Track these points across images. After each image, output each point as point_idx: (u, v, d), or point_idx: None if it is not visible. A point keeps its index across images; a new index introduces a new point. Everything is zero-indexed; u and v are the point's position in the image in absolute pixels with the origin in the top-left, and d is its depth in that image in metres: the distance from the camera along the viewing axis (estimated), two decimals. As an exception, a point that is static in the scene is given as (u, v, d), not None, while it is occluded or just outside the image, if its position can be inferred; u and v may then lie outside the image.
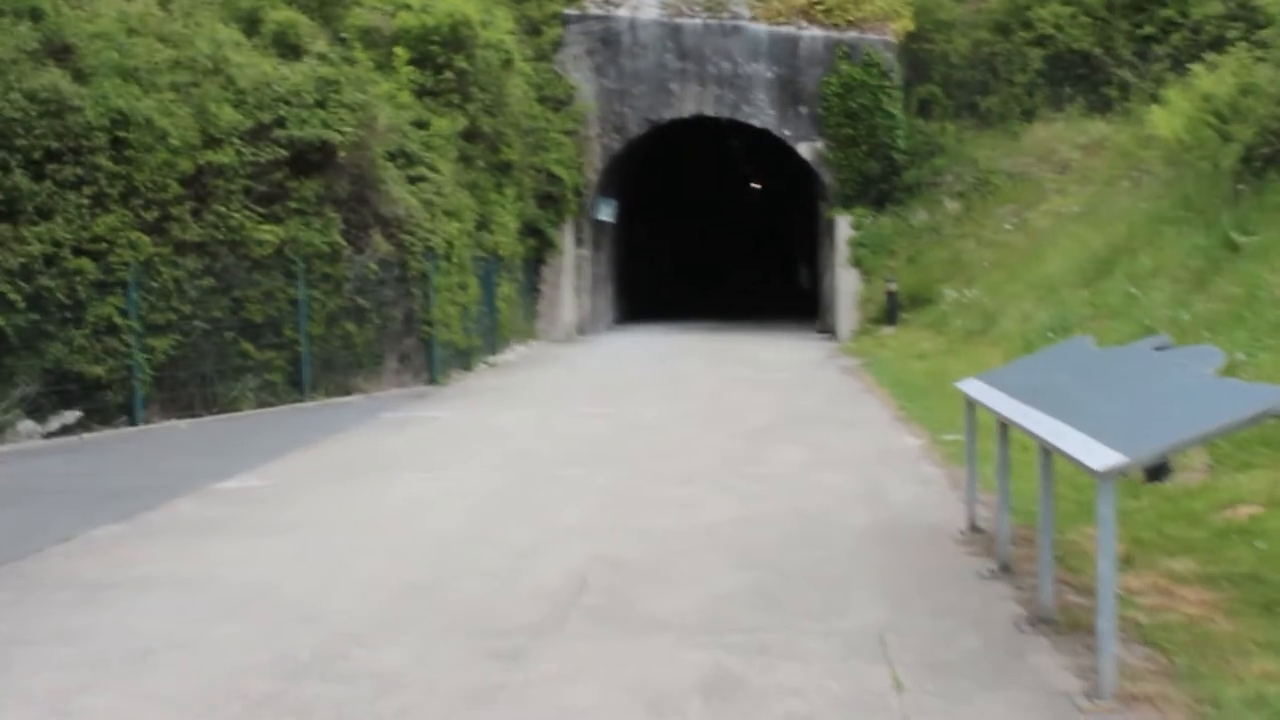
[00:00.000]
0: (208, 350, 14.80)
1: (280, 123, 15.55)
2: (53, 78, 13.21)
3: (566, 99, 27.09)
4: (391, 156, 17.81)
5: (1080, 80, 26.10)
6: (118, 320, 13.70)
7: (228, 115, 14.98)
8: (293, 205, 15.71)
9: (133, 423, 13.86)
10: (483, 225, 21.38)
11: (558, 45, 27.42)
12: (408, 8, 20.64)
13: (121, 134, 13.70)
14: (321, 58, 17.22)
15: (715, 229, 48.20)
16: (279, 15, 17.52)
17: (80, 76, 13.70)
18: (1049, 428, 5.47)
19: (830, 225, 27.62)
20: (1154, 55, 24.64)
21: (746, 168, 41.69)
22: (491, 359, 21.37)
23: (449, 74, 20.56)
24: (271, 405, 15.41)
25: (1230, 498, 7.82)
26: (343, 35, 19.40)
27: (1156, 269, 14.74)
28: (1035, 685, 5.07)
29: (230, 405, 14.94)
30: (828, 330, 28.03)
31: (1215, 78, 15.44)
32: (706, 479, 10.13)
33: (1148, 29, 25.30)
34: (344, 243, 16.34)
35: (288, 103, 15.73)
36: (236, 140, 15.03)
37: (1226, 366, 8.14)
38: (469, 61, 20.90)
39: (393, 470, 10.83)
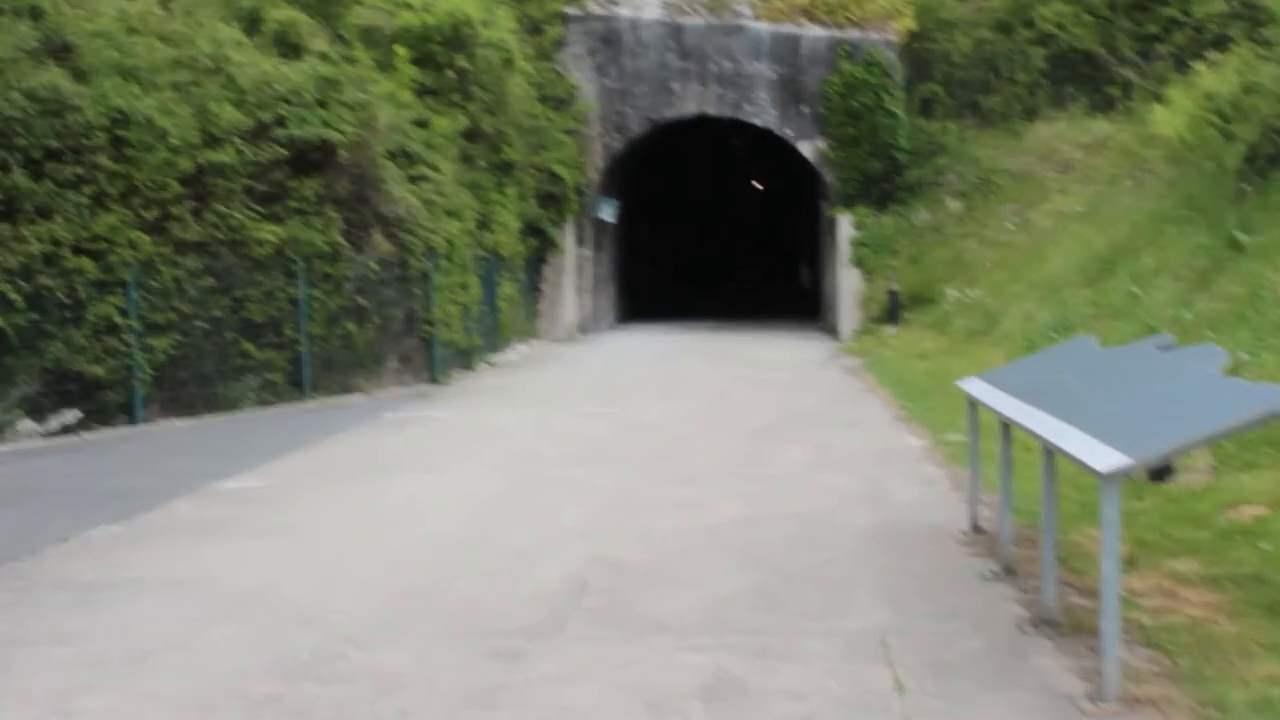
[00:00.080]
0: (208, 350, 14.78)
1: (280, 122, 15.52)
2: (52, 77, 13.19)
3: (568, 98, 27.07)
4: (392, 156, 17.78)
5: (1082, 79, 26.04)
6: (118, 320, 13.68)
7: (228, 114, 14.95)
8: (293, 205, 15.69)
9: (133, 422, 13.84)
10: (484, 225, 21.35)
11: (559, 44, 27.40)
12: (409, 7, 20.62)
13: (121, 133, 13.69)
14: (322, 57, 17.19)
15: (717, 228, 48.17)
16: (280, 14, 17.48)
17: (80, 75, 13.68)
18: (1052, 428, 5.43)
19: (832, 224, 27.59)
20: (1156, 54, 24.57)
21: (748, 167, 41.64)
22: (493, 358, 21.34)
23: (450, 73, 20.55)
24: (272, 405, 15.39)
25: (1234, 498, 7.78)
26: (343, 34, 19.36)
27: (1159, 269, 14.70)
28: (1038, 687, 5.04)
29: (230, 405, 14.92)
30: (830, 329, 27.99)
31: (1218, 76, 15.39)
32: (708, 480, 10.10)
33: (1150, 28, 25.25)
34: (344, 242, 16.32)
35: (288, 102, 15.69)
36: (237, 139, 15.00)
37: (1230, 366, 8.10)
38: (470, 61, 20.87)
39: (393, 471, 10.79)
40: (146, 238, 13.96)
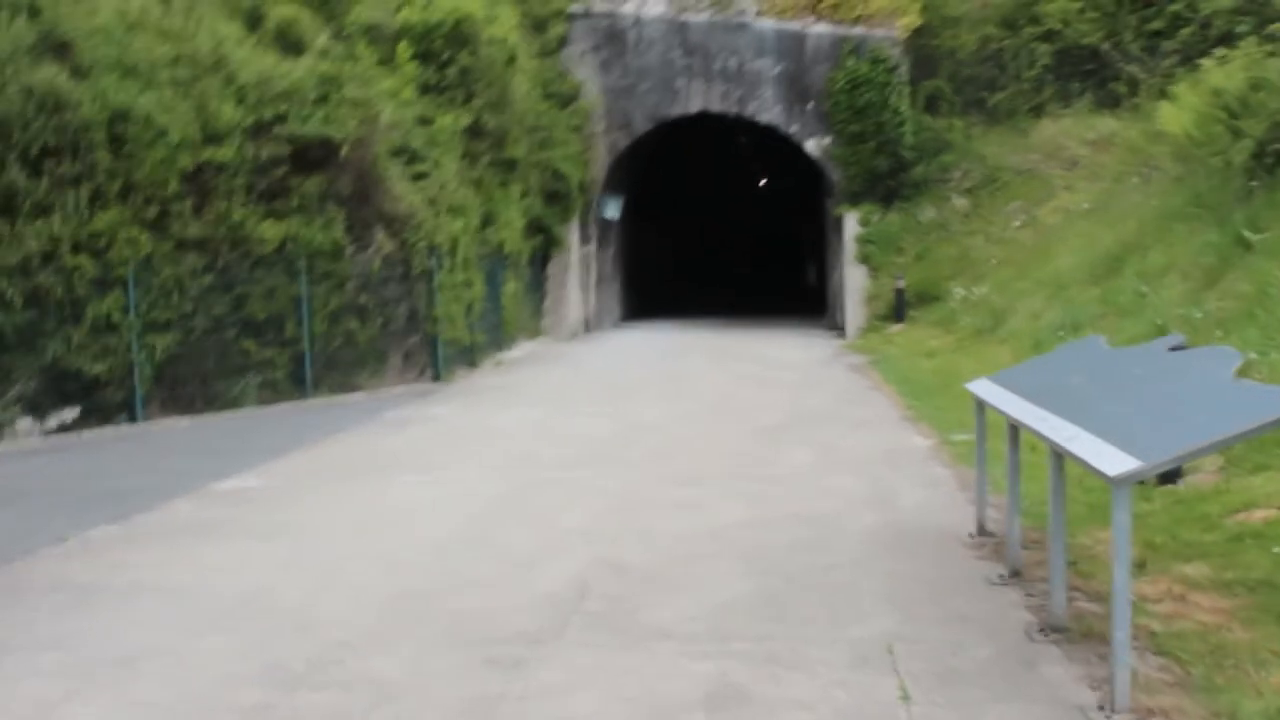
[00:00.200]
0: (209, 348, 14.69)
1: (281, 119, 15.43)
2: (51, 73, 13.07)
3: (572, 96, 26.97)
4: (395, 153, 17.68)
5: (1089, 76, 25.92)
6: (117, 318, 13.58)
7: (228, 112, 14.86)
8: (295, 202, 15.60)
9: (133, 421, 13.75)
10: (488, 222, 21.26)
11: (563, 42, 27.32)
12: (411, 4, 20.50)
13: (121, 130, 13.57)
14: (324, 54, 17.09)
15: (722, 226, 48.03)
16: (281, 11, 17.37)
17: (79, 72, 13.56)
18: (1062, 432, 5.32)
19: (838, 222, 27.48)
20: (1163, 50, 24.41)
21: (753, 164, 41.53)
22: (497, 356, 21.25)
23: (452, 70, 20.44)
24: (274, 403, 15.30)
25: (1244, 501, 7.67)
26: (346, 31, 19.25)
27: (1167, 266, 14.58)
28: (1047, 697, 4.92)
29: (232, 403, 14.84)
30: (836, 327, 27.89)
31: (1225, 73, 15.28)
32: (711, 480, 9.99)
33: (1156, 24, 25.07)
34: (347, 240, 16.22)
35: (289, 99, 15.59)
36: (237, 137, 14.91)
37: (1240, 366, 7.99)
38: (473, 58, 20.76)
39: (393, 471, 10.70)
40: (146, 235, 13.86)
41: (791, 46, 26.82)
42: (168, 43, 15.01)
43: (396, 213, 17.19)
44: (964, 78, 27.15)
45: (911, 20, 26.53)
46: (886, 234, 26.10)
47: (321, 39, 17.63)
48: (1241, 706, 4.67)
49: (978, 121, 26.81)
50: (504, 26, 22.60)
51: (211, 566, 7.35)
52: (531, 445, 12.08)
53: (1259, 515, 7.32)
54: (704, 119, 28.17)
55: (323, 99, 15.93)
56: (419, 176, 18.19)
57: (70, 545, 7.98)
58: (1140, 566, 6.50)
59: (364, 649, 5.71)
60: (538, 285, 26.17)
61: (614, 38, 27.37)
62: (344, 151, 16.00)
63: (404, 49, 19.69)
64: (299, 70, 16.00)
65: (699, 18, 27.09)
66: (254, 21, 17.12)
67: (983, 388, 7.34)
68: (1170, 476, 8.31)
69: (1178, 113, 16.27)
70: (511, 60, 22.60)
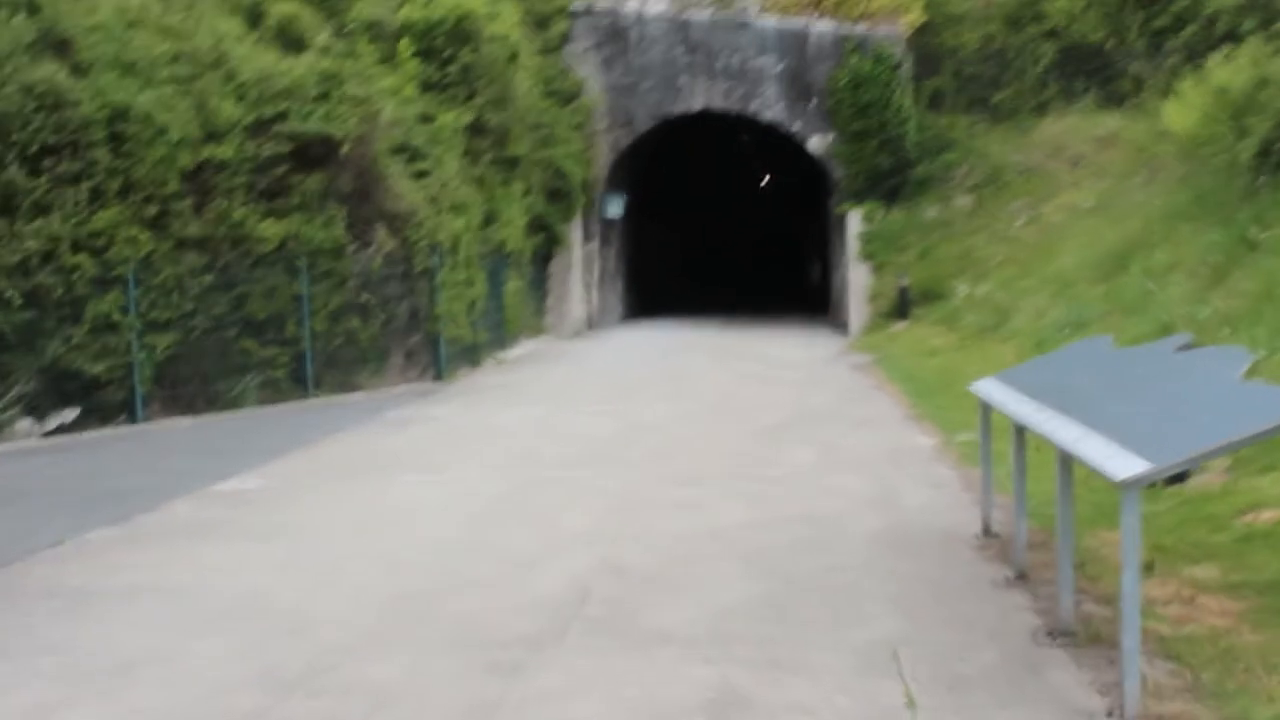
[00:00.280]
0: (209, 347, 14.63)
1: (282, 117, 15.37)
2: (50, 71, 13.01)
3: (574, 94, 26.91)
4: (396, 151, 17.61)
5: (1092, 74, 25.84)
6: (117, 317, 13.52)
7: (229, 109, 14.80)
8: (295, 200, 15.55)
9: (133, 421, 13.69)
10: (489, 220, 21.20)
11: (565, 39, 27.27)
12: (412, 1, 20.44)
13: (120, 128, 13.51)
14: (324, 51, 17.03)
15: (724, 224, 47.92)
16: (282, 8, 17.31)
17: (78, 70, 13.50)
18: (1069, 434, 5.23)
19: (841, 220, 27.41)
20: (1167, 48, 24.31)
21: (756, 162, 41.43)
22: (499, 355, 21.19)
23: (454, 68, 20.37)
24: (275, 403, 15.24)
25: (1252, 501, 7.60)
26: (347, 28, 19.18)
27: (1173, 264, 14.50)
28: (1055, 703, 4.85)
29: (232, 403, 14.78)
30: (839, 326, 27.82)
31: (1230, 71, 15.21)
32: (713, 481, 9.92)
33: (1161, 22, 24.96)
34: (348, 238, 16.16)
35: (290, 96, 15.53)
36: (238, 134, 14.84)
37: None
38: (474, 55, 20.70)
39: (394, 471, 10.64)
40: (146, 234, 13.80)
41: (794, 44, 26.75)
42: (167, 40, 14.97)
43: (398, 211, 17.13)
44: (967, 76, 27.08)
45: (914, 18, 26.47)
46: (889, 232, 26.03)
47: (322, 36, 17.58)
48: (1253, 712, 4.60)
49: (981, 119, 26.74)
50: (506, 24, 22.53)
51: (210, 568, 7.29)
52: (533, 444, 12.02)
53: (1267, 516, 7.25)
54: (706, 117, 28.11)
55: (323, 96, 15.87)
56: (420, 174, 18.13)
57: (68, 547, 7.91)
58: (1148, 568, 6.42)
59: (362, 651, 5.65)
60: (540, 284, 26.12)
61: (616, 35, 27.30)
62: (345, 149, 15.94)
63: (405, 46, 19.62)
64: (300, 67, 15.95)
65: (701, 15, 27.02)
66: (254, 18, 17.08)
67: (988, 388, 7.26)
68: (1177, 477, 8.22)
69: (1182, 111, 16.20)
70: (513, 58, 22.53)
